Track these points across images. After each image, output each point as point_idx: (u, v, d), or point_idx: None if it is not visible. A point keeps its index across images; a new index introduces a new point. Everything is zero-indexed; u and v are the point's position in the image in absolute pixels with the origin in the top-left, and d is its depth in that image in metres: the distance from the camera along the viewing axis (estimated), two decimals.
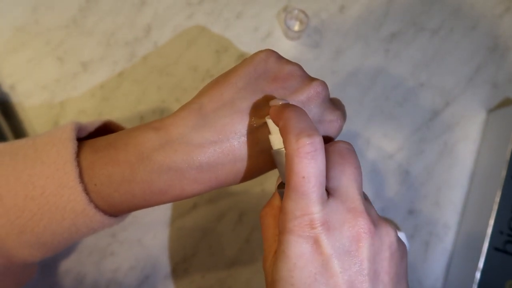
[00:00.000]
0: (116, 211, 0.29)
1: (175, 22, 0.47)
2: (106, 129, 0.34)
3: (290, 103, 0.26)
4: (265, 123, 0.26)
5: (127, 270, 0.44)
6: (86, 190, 0.27)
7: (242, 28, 0.47)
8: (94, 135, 0.31)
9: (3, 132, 0.43)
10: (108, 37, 0.46)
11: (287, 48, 0.47)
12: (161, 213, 0.45)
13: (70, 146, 0.27)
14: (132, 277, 0.44)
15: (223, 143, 0.26)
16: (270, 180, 0.46)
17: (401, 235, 0.36)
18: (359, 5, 0.48)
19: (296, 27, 0.47)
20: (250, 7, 0.48)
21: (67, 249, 0.44)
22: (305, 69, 0.30)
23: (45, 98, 0.45)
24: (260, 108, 0.27)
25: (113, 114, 0.46)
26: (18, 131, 0.44)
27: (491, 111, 0.47)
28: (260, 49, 0.29)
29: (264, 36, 0.47)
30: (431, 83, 0.48)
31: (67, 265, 0.44)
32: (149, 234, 0.45)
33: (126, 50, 0.46)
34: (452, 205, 0.47)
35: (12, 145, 0.29)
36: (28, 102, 0.45)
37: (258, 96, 0.27)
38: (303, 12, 0.45)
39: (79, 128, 0.30)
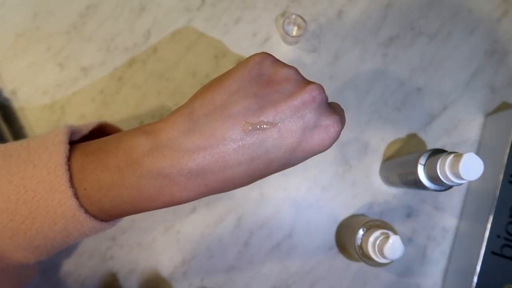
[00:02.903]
0: (107, 216, 0.28)
1: (174, 27, 0.47)
2: (102, 131, 0.34)
3: (284, 107, 0.26)
4: (258, 128, 0.26)
5: (127, 274, 0.45)
6: (76, 195, 0.26)
7: (240, 33, 0.48)
8: (91, 138, 0.30)
9: (4, 137, 0.44)
10: (108, 42, 0.47)
11: (285, 52, 0.47)
12: (160, 217, 0.45)
13: (61, 150, 0.27)
14: (132, 280, 0.45)
15: (213, 149, 0.25)
16: (268, 184, 0.46)
17: (396, 239, 0.36)
18: (357, 10, 0.48)
19: (294, 32, 0.47)
20: (248, 13, 0.48)
21: (68, 252, 0.44)
22: (303, 73, 0.29)
23: (46, 103, 0.46)
24: (253, 113, 0.26)
25: (113, 119, 0.46)
26: (19, 136, 0.45)
27: (488, 115, 0.47)
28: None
29: (262, 41, 0.48)
30: (429, 87, 0.48)
31: (68, 268, 0.44)
32: (149, 238, 0.45)
33: (126, 56, 0.47)
34: (450, 209, 0.47)
35: (6, 147, 0.29)
36: (29, 107, 0.46)
37: (251, 100, 0.26)
38: (301, 17, 0.46)
39: (72, 131, 0.29)
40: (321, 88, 0.27)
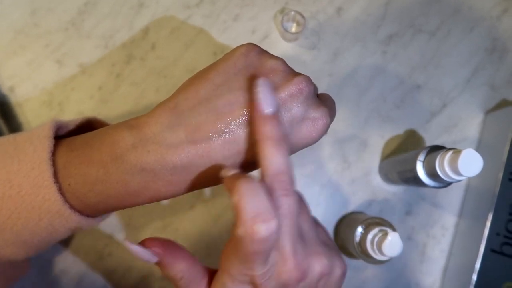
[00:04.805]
0: (93, 211, 0.28)
1: (173, 24, 0.47)
2: (92, 127, 0.33)
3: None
4: (244, 122, 0.25)
5: (124, 271, 0.45)
6: (61, 190, 0.26)
7: (239, 30, 0.48)
8: (79, 133, 0.30)
9: (2, 134, 0.43)
10: (107, 39, 0.47)
11: (284, 49, 0.47)
12: (158, 214, 0.45)
13: (46, 145, 0.26)
14: (129, 278, 0.45)
15: (198, 143, 0.24)
16: None
17: (395, 236, 0.36)
18: (356, 7, 0.48)
19: (293, 29, 0.47)
20: (247, 10, 0.48)
21: (64, 249, 0.44)
22: (302, 71, 0.29)
23: (44, 100, 0.46)
24: (238, 106, 0.25)
25: (111, 116, 0.46)
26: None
27: (488, 112, 0.47)
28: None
29: (261, 38, 0.48)
30: (429, 85, 0.48)
31: (64, 266, 0.44)
32: (146, 235, 0.45)
33: (124, 52, 0.47)
34: (449, 207, 0.46)
35: None
36: (27, 104, 0.46)
37: (236, 93, 0.25)
38: (300, 14, 0.45)
39: (59, 126, 0.29)
40: (308, 80, 0.27)
